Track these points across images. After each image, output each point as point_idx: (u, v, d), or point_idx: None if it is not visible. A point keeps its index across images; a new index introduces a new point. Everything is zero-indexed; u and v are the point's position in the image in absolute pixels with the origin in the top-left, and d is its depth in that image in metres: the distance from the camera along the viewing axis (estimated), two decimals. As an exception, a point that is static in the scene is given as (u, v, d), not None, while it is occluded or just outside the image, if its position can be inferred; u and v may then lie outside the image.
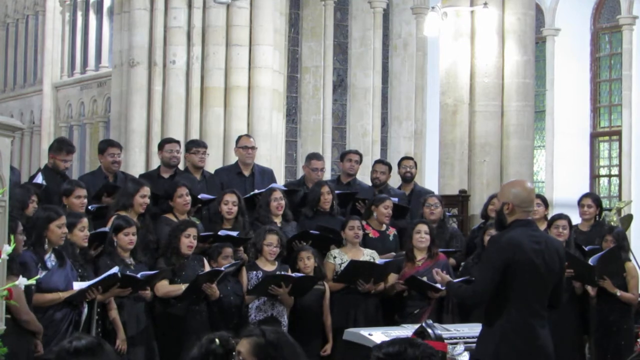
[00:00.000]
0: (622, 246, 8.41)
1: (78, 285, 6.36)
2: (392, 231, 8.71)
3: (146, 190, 7.69)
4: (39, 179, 7.97)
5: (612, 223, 9.70)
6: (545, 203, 8.96)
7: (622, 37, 17.41)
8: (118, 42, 12.28)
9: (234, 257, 7.60)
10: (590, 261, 8.13)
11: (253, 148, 9.22)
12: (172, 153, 8.87)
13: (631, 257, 8.84)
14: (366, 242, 8.40)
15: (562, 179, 17.55)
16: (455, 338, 6.36)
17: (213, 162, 10.47)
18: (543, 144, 18.30)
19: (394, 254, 8.50)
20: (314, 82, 17.04)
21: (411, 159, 10.35)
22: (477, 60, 12.61)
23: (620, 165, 17.45)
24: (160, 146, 9.06)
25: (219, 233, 7.77)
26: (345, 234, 8.20)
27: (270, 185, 8.65)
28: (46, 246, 6.25)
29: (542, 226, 8.15)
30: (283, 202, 8.30)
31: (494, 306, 5.20)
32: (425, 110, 17.54)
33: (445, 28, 12.80)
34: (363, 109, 17.35)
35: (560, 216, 8.45)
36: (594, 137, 18.13)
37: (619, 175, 17.53)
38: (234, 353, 3.49)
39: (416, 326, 6.35)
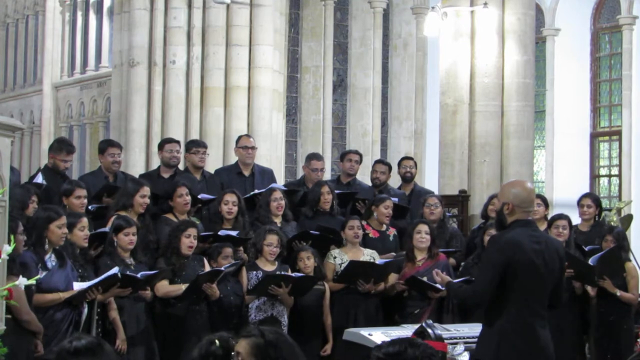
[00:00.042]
0: (622, 246, 8.41)
1: (78, 286, 6.37)
2: (392, 231, 8.71)
3: (146, 190, 7.69)
4: (39, 179, 7.97)
5: (612, 223, 9.71)
6: (546, 203, 8.96)
7: (622, 37, 17.41)
8: (118, 42, 12.28)
9: (234, 257, 7.60)
10: (590, 261, 8.13)
11: (253, 148, 9.22)
12: (172, 153, 8.87)
13: (631, 257, 8.84)
14: (366, 242, 8.40)
15: (562, 179, 17.55)
16: (455, 338, 6.36)
17: (213, 162, 10.47)
18: (543, 144, 18.30)
19: (394, 254, 8.50)
20: (314, 82, 17.04)
21: (411, 159, 10.35)
22: (477, 60, 12.61)
23: (620, 165, 17.46)
24: (160, 146, 9.06)
25: (219, 233, 7.77)
26: (345, 234, 8.20)
27: (270, 186, 8.65)
28: (46, 246, 6.25)
29: (542, 226, 8.15)
30: (283, 202, 8.31)
31: (494, 306, 5.20)
32: (425, 110, 17.54)
33: (445, 28, 12.80)
34: (363, 109, 17.35)
35: (560, 216, 8.45)
36: (594, 137, 18.14)
37: (619, 175, 17.53)
38: (232, 353, 3.49)
39: (416, 326, 6.35)
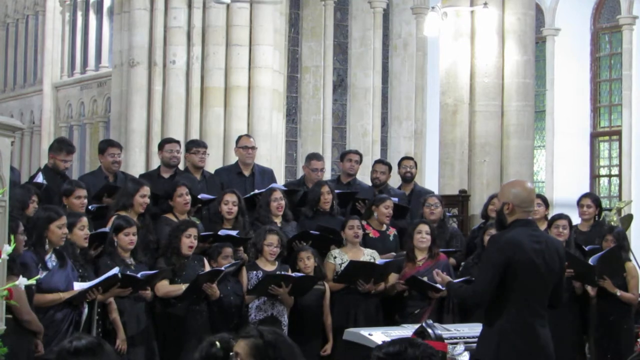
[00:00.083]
0: (622, 246, 8.41)
1: (79, 286, 6.37)
2: (392, 231, 8.71)
3: (146, 190, 7.69)
4: (39, 179, 7.97)
5: (612, 223, 9.70)
6: (546, 203, 8.95)
7: (622, 37, 17.41)
8: (118, 42, 12.29)
9: (234, 257, 7.61)
10: (591, 261, 8.13)
11: (253, 148, 9.22)
12: (172, 153, 8.87)
13: (631, 257, 8.83)
14: (366, 242, 8.40)
15: (562, 179, 17.55)
16: (456, 338, 6.36)
17: (213, 162, 10.47)
18: (543, 144, 18.30)
19: (394, 254, 8.50)
20: (314, 82, 17.04)
21: (411, 159, 10.35)
22: (477, 60, 12.61)
23: (620, 165, 17.45)
24: (160, 146, 9.07)
25: (219, 233, 7.77)
26: (345, 234, 8.20)
27: (270, 185, 8.65)
28: (47, 246, 6.25)
29: (543, 226, 8.15)
30: (283, 202, 8.31)
31: (494, 306, 5.20)
32: (425, 110, 17.54)
33: (445, 28, 12.80)
34: (363, 109, 17.35)
35: (561, 216, 8.45)
36: (594, 137, 18.13)
37: (619, 175, 17.52)
38: (231, 354, 3.49)
39: (416, 326, 6.35)
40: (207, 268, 7.37)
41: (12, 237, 4.92)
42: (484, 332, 5.32)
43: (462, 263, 8.62)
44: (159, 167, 9.08)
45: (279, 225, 8.21)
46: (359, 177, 9.80)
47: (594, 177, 18.11)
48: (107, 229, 7.26)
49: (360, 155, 9.76)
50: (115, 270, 6.59)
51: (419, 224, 8.18)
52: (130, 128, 11.85)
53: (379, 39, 17.39)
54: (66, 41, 18.59)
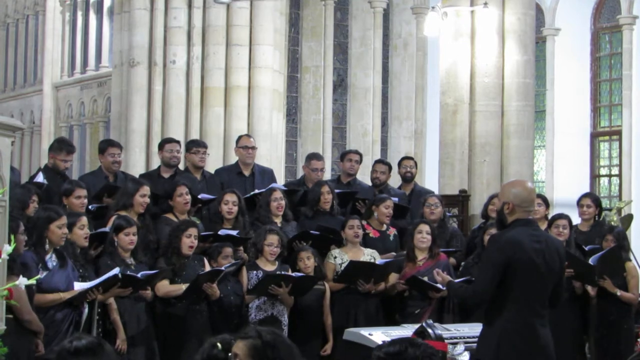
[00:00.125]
0: (623, 246, 8.40)
1: (79, 286, 6.37)
2: (392, 231, 8.71)
3: (146, 190, 7.69)
4: (40, 178, 7.97)
5: (613, 223, 9.70)
6: (546, 203, 8.95)
7: (622, 37, 17.41)
8: (118, 42, 12.29)
9: (234, 256, 7.61)
10: (591, 261, 8.13)
11: (253, 148, 9.22)
12: (172, 153, 8.87)
13: (631, 257, 8.83)
14: (366, 242, 8.40)
15: (562, 178, 17.55)
16: (456, 338, 6.36)
17: (213, 162, 10.47)
18: (543, 144, 18.30)
19: (394, 253, 8.50)
20: (314, 82, 17.04)
21: (411, 158, 10.35)
22: (477, 60, 12.61)
23: (620, 165, 17.45)
24: (161, 146, 9.07)
25: (219, 233, 7.77)
26: (345, 234, 8.20)
27: (270, 185, 8.65)
28: (47, 246, 6.25)
29: (543, 226, 8.15)
30: (283, 202, 8.31)
31: (495, 305, 5.20)
32: (425, 110, 17.54)
33: (446, 28, 12.80)
34: (363, 108, 17.35)
35: (561, 216, 8.45)
36: (594, 136, 18.13)
37: (619, 175, 17.52)
38: (229, 354, 3.48)
39: (417, 326, 6.35)
40: (207, 268, 7.37)
41: (12, 237, 4.92)
42: (484, 332, 5.32)
43: (462, 263, 8.62)
44: (159, 167, 9.08)
45: (279, 225, 8.21)
46: (359, 177, 9.80)
47: (594, 177, 18.11)
48: (107, 228, 7.26)
49: (361, 155, 9.76)
50: (116, 270, 6.59)
51: (419, 223, 8.18)
52: (131, 128, 11.85)
53: (379, 39, 17.39)
54: (66, 41, 18.60)
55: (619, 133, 17.51)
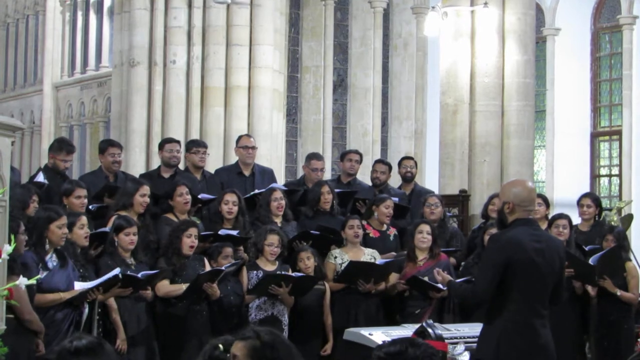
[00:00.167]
0: (623, 246, 8.40)
1: (79, 286, 6.37)
2: (392, 231, 8.71)
3: (145, 189, 7.69)
4: (40, 178, 7.97)
5: (613, 223, 9.69)
6: (547, 203, 8.95)
7: (623, 37, 17.42)
8: (118, 42, 12.28)
9: (234, 256, 7.60)
10: (591, 261, 8.13)
11: (253, 148, 9.22)
12: (173, 153, 8.87)
13: (631, 257, 8.83)
14: (367, 242, 8.40)
15: (562, 178, 17.56)
16: (456, 338, 6.36)
17: (213, 162, 10.47)
18: (543, 144, 18.30)
19: (394, 253, 8.50)
20: (314, 82, 17.04)
21: (411, 158, 10.35)
22: (477, 60, 12.61)
23: (620, 165, 17.46)
24: (161, 146, 9.07)
25: (219, 232, 7.77)
26: (345, 234, 8.20)
27: (270, 185, 8.65)
28: (47, 246, 6.25)
29: (543, 226, 8.15)
30: (283, 202, 8.31)
31: (495, 305, 5.20)
32: (425, 110, 17.54)
33: (446, 28, 12.81)
34: (363, 108, 17.35)
35: (561, 216, 8.45)
36: (595, 136, 18.14)
37: (620, 175, 17.53)
38: (228, 355, 3.48)
39: (417, 326, 6.35)
40: (208, 268, 7.36)
41: (12, 237, 4.92)
42: (484, 332, 5.32)
43: (463, 263, 8.62)
44: (159, 167, 9.08)
45: (279, 225, 8.21)
46: (359, 177, 9.80)
47: (594, 177, 18.11)
48: (107, 228, 7.26)
49: (361, 155, 9.76)
50: (117, 270, 6.59)
51: (420, 223, 8.17)
52: (131, 128, 11.85)
53: (379, 39, 17.38)
54: (66, 41, 18.60)
55: (619, 133, 17.52)
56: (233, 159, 10.08)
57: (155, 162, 10.71)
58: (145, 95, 11.82)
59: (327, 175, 13.01)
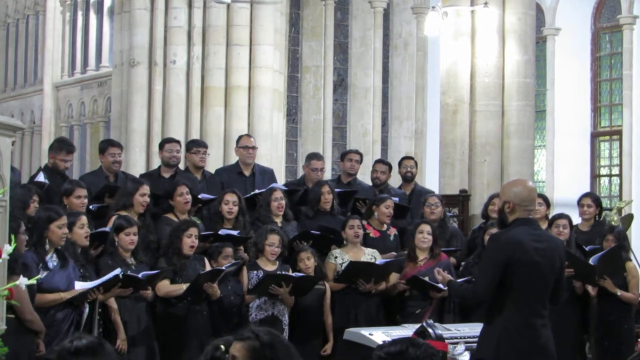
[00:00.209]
0: (623, 246, 8.40)
1: (80, 286, 6.37)
2: (392, 231, 8.71)
3: (145, 189, 7.69)
4: (41, 178, 7.97)
5: (613, 223, 9.69)
6: (547, 203, 8.95)
7: (623, 37, 17.41)
8: (118, 41, 12.29)
9: (235, 256, 7.61)
10: (591, 261, 8.13)
11: (253, 148, 9.22)
12: (173, 153, 8.87)
13: (632, 257, 8.83)
14: (367, 242, 8.40)
15: (562, 178, 17.55)
16: (456, 338, 6.36)
17: (213, 162, 10.47)
18: (544, 144, 18.30)
19: (394, 253, 8.50)
20: (314, 82, 17.04)
21: (412, 158, 10.34)
22: (477, 59, 12.61)
23: (620, 165, 17.46)
24: (161, 146, 9.07)
25: (220, 232, 7.77)
26: (346, 234, 8.20)
27: (270, 185, 8.65)
28: (47, 246, 6.25)
29: (543, 225, 8.15)
30: (284, 202, 8.30)
31: (495, 305, 5.20)
32: (425, 110, 17.54)
33: (446, 28, 12.80)
34: (363, 108, 17.35)
35: (561, 216, 8.45)
36: (595, 136, 18.14)
37: (620, 175, 17.53)
38: (227, 356, 3.48)
39: (417, 326, 6.35)
40: (208, 268, 7.37)
41: (12, 237, 4.92)
42: (485, 331, 5.32)
43: (463, 263, 8.62)
44: (160, 167, 9.08)
45: (280, 225, 8.21)
46: (359, 177, 9.80)
47: (595, 176, 18.11)
48: (107, 228, 7.26)
49: (361, 155, 9.76)
50: (117, 271, 6.59)
51: (420, 223, 8.17)
52: (131, 128, 11.85)
53: (380, 39, 17.38)
54: (66, 41, 18.60)
55: (619, 133, 17.52)
56: (233, 159, 10.08)
57: (156, 162, 10.71)
58: (146, 95, 11.83)
59: (327, 175, 13.01)
